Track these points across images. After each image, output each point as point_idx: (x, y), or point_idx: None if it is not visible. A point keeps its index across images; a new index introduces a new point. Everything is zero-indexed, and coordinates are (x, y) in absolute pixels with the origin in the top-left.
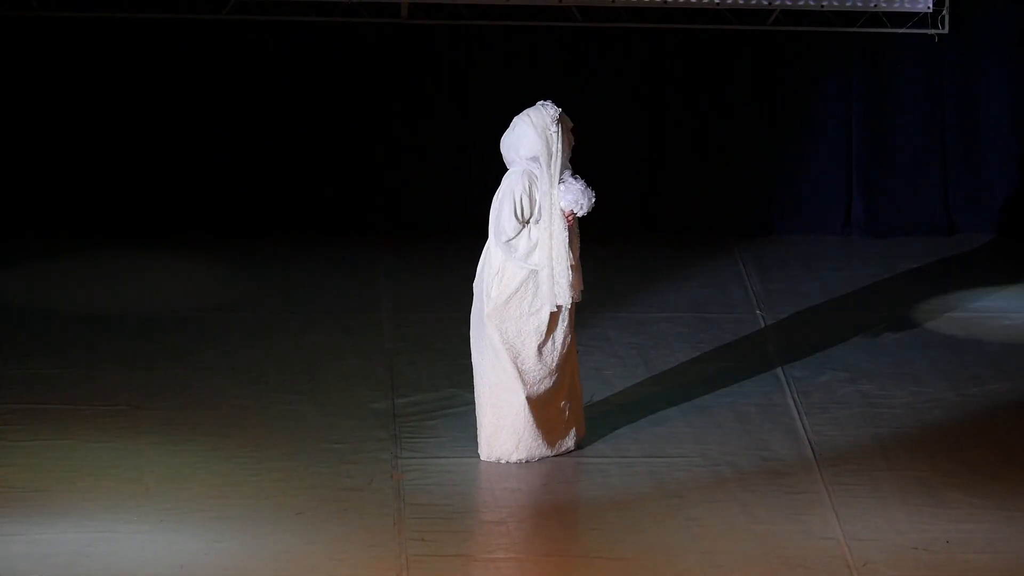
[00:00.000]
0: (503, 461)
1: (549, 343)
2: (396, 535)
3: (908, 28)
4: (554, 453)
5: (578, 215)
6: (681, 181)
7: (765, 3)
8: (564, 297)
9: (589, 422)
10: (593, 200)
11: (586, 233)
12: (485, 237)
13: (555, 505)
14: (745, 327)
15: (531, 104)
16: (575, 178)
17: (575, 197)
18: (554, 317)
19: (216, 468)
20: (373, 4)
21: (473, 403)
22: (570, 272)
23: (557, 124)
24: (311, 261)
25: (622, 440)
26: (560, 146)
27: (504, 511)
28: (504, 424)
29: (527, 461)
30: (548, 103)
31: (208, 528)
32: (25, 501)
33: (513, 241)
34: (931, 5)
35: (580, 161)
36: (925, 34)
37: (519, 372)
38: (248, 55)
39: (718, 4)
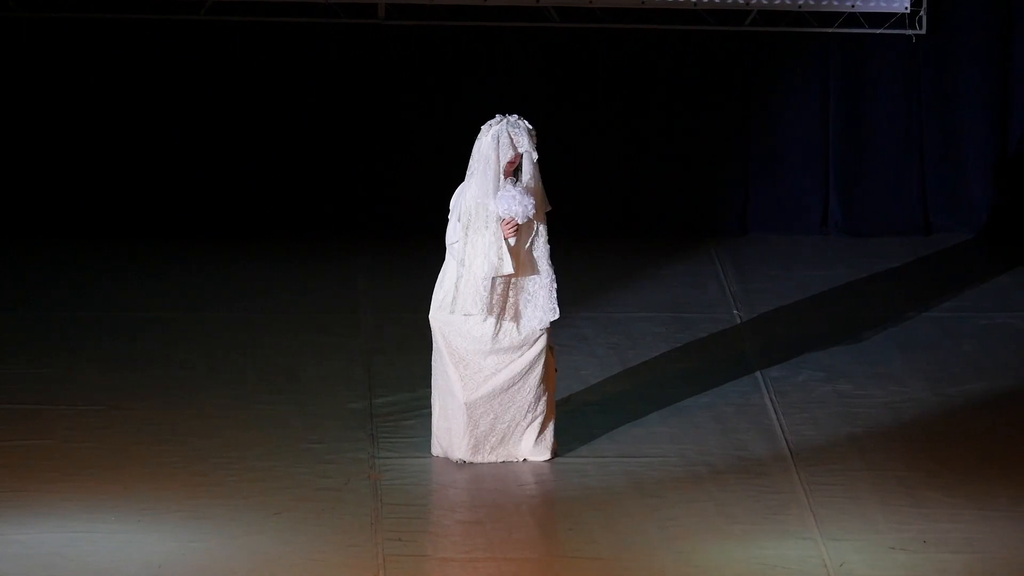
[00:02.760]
0: (446, 457)
1: (496, 353)
2: (373, 535)
3: (885, 29)
4: (500, 460)
5: (519, 222)
6: (658, 181)
7: (743, 3)
8: (475, 307)
9: (566, 421)
10: (531, 208)
11: (563, 233)
12: None
13: (532, 505)
14: (722, 327)
15: (507, 106)
16: (515, 186)
17: (507, 204)
18: (500, 330)
19: (194, 468)
20: (350, 5)
21: None
22: (484, 283)
23: (496, 140)
24: (290, 261)
25: (599, 440)
26: (494, 157)
27: (482, 511)
28: (448, 427)
29: (468, 463)
30: (508, 117)
31: (186, 528)
32: (3, 501)
33: (456, 246)
34: (908, 6)
35: (556, 160)
36: (902, 35)
37: (460, 377)
38: (225, 56)
39: (695, 5)
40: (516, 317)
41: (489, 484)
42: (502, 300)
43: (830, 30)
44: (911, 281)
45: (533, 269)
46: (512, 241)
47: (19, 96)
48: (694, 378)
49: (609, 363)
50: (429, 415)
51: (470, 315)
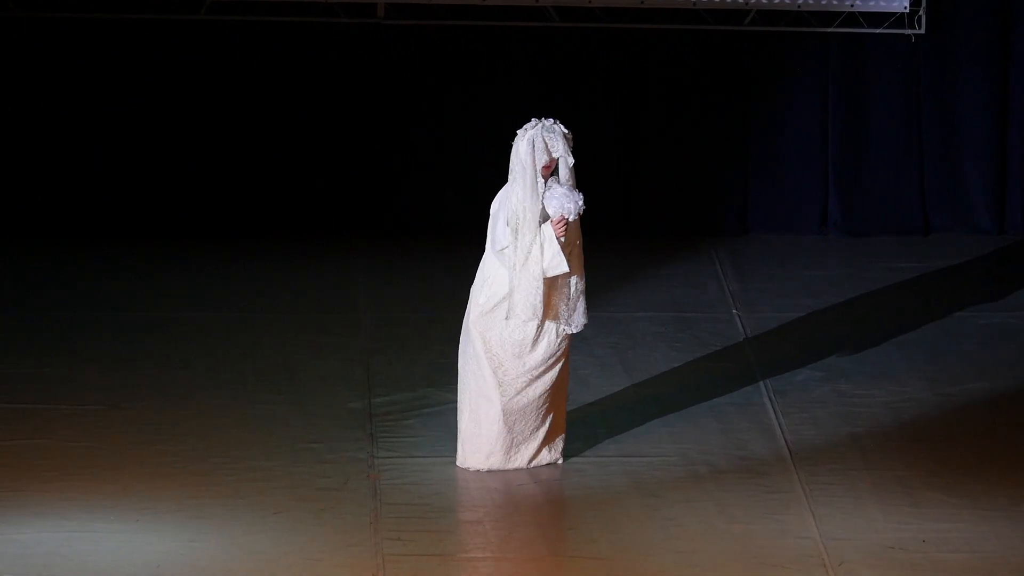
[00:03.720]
0: (472, 470)
1: (533, 357)
2: (372, 534)
3: (885, 28)
4: (528, 466)
5: (569, 219)
6: (658, 180)
7: (742, 3)
8: (520, 311)
9: (566, 421)
10: (581, 203)
11: None
12: (464, 238)
13: (532, 504)
14: (722, 326)
15: (504, 105)
16: (559, 184)
17: (559, 202)
18: (541, 333)
19: (193, 468)
20: (349, 4)
21: (450, 403)
22: (540, 292)
23: (531, 144)
24: (288, 261)
25: (599, 440)
26: (530, 162)
27: (481, 510)
28: (479, 432)
29: (496, 471)
30: (544, 121)
31: (185, 528)
32: (2, 501)
33: (507, 251)
34: (907, 5)
35: None
36: (902, 34)
37: (498, 382)
38: (224, 56)
39: (695, 4)
40: (556, 319)
41: (488, 483)
42: (545, 302)
43: (829, 30)
44: (910, 281)
45: (576, 271)
46: (563, 239)
47: (14, 96)
48: (694, 378)
49: (609, 363)
50: (429, 415)
51: (521, 319)
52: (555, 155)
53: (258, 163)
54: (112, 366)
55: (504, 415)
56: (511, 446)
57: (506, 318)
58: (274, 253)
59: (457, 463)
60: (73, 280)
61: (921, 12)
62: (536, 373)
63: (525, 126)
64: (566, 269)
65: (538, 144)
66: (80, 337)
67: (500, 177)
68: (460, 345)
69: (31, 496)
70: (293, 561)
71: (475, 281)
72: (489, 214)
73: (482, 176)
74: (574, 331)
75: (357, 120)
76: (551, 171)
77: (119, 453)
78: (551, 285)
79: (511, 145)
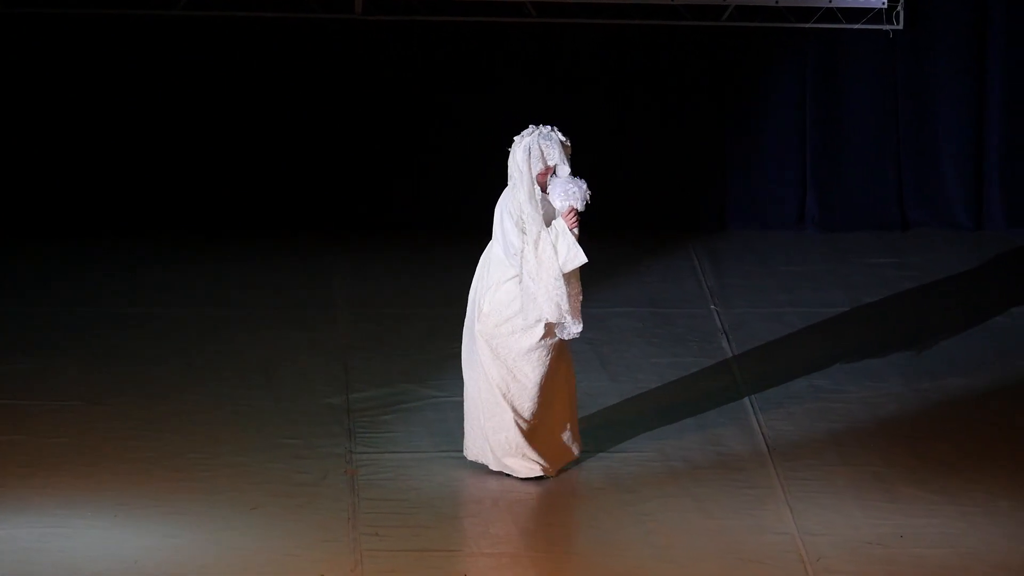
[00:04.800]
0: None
1: (541, 362)
2: (350, 530)
3: (862, 24)
4: (555, 471)
5: (579, 208)
6: (635, 176)
7: None
8: (547, 312)
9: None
10: (586, 188)
11: None
12: (442, 234)
13: (509, 500)
14: (699, 322)
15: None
16: (556, 176)
17: (563, 194)
18: (548, 336)
19: (171, 464)
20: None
21: (428, 399)
22: (563, 289)
23: (527, 152)
24: (266, 258)
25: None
26: (526, 169)
27: (459, 506)
28: (500, 439)
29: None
30: (541, 128)
31: (162, 523)
32: None
33: (526, 252)
34: (885, 1)
35: None
36: (880, 30)
37: (508, 390)
38: (200, 52)
39: (672, 0)
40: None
41: (466, 479)
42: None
43: (807, 25)
44: (887, 277)
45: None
46: (576, 231)
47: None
48: (671, 373)
49: (586, 358)
50: (406, 411)
51: (548, 319)
52: (550, 163)
53: (234, 159)
54: (90, 362)
55: (517, 421)
56: (533, 450)
57: (530, 322)
58: (251, 249)
59: (492, 468)
60: (51, 276)
61: (899, 8)
62: (538, 368)
63: (522, 133)
64: (584, 259)
65: (534, 152)
66: (58, 333)
67: (479, 173)
68: (464, 354)
69: (9, 492)
70: (271, 556)
71: (474, 288)
72: (493, 219)
73: (461, 172)
74: (567, 338)
75: (334, 116)
76: (546, 178)
77: (97, 449)
78: (568, 282)
79: (494, 143)
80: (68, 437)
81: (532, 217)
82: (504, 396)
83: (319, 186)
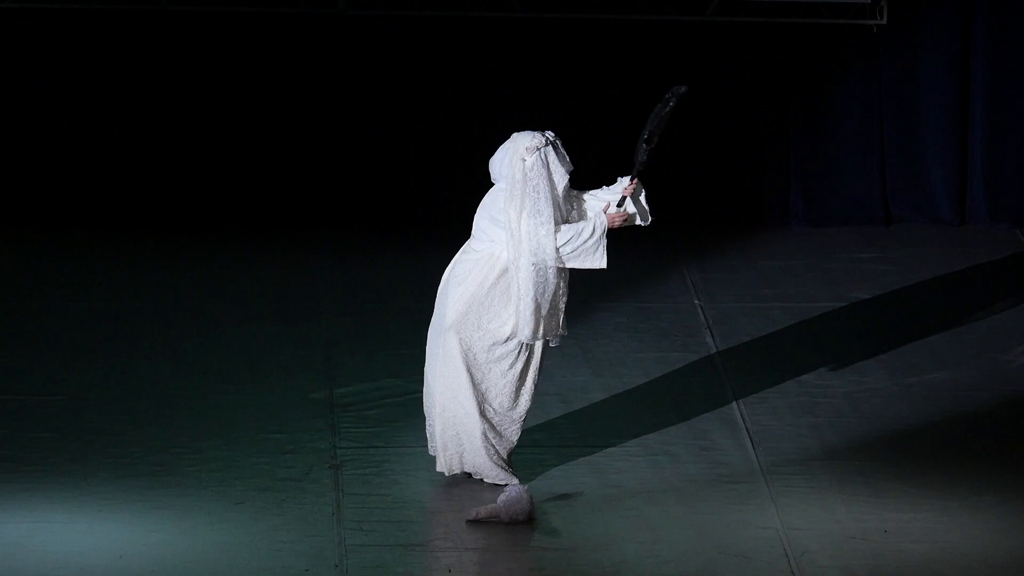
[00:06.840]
0: (454, 472)
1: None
2: (335, 525)
3: (847, 19)
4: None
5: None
6: (617, 171)
7: None
8: (525, 333)
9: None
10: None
11: None
12: (426, 229)
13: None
14: (684, 317)
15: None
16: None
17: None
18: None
19: (154, 458)
20: None
21: (412, 394)
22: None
23: (531, 153)
24: (250, 252)
25: (560, 430)
26: (547, 187)
27: (442, 501)
28: (457, 435)
29: (475, 476)
30: (544, 135)
31: (146, 518)
32: None
33: (546, 257)
34: None
35: None
36: (863, 25)
37: (473, 384)
38: (182, 47)
39: None
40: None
41: (450, 474)
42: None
43: (791, 20)
44: (872, 272)
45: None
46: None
47: None
48: (655, 368)
49: (571, 353)
50: (391, 405)
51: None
52: (555, 176)
53: (218, 154)
54: (73, 356)
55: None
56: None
57: (557, 334)
58: (235, 244)
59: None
60: (34, 270)
61: (883, 3)
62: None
63: (524, 142)
64: (602, 265)
65: (552, 161)
66: (41, 327)
67: (463, 168)
68: (428, 352)
69: None
70: (255, 551)
71: (443, 289)
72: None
73: (445, 167)
74: (554, 344)
75: (318, 111)
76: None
77: (80, 443)
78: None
79: (479, 139)
80: (51, 431)
81: (528, 226)
82: (469, 390)
83: (304, 180)
